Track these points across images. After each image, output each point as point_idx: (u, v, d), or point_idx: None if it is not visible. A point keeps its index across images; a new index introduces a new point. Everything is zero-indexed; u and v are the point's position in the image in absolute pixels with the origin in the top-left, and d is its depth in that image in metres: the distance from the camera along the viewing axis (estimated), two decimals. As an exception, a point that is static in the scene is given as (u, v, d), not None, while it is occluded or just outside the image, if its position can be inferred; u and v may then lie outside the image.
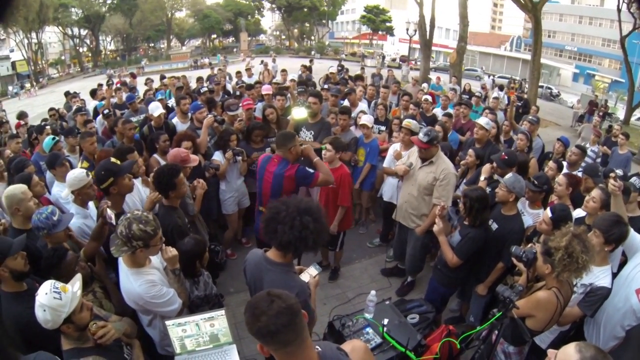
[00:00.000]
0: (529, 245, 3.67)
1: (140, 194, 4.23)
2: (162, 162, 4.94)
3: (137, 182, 4.20)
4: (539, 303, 2.77)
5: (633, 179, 4.31)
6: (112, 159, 3.64)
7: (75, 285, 2.33)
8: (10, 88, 35.33)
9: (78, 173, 3.58)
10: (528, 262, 2.97)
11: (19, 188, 3.34)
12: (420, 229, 4.73)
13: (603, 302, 3.09)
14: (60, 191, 4.30)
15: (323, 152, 4.76)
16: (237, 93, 8.91)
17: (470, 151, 5.26)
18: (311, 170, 4.12)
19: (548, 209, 3.57)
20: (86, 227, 3.59)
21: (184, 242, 3.26)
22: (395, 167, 5.09)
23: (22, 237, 2.73)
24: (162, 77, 13.05)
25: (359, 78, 10.68)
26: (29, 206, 3.32)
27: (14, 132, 8.40)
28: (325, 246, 5.35)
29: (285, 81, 10.39)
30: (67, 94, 12.13)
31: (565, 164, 5.40)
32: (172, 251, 2.94)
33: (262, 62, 15.10)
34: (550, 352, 1.84)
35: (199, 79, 11.48)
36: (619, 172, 4.83)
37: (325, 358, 1.77)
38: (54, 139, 5.46)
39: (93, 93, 10.88)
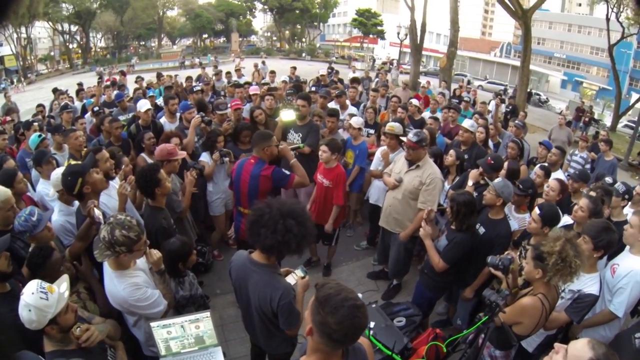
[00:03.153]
0: (519, 248, 3.71)
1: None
2: (150, 161, 4.93)
3: (114, 184, 4.14)
4: (523, 310, 2.78)
5: (617, 185, 4.39)
6: (72, 162, 3.60)
7: (62, 286, 2.29)
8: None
9: (61, 172, 3.54)
10: (505, 268, 3.00)
11: (0, 196, 3.20)
12: (403, 234, 4.71)
13: (590, 308, 3.13)
14: (46, 189, 4.25)
15: (319, 152, 4.80)
16: (224, 94, 8.85)
17: (452, 152, 5.31)
18: (287, 172, 4.21)
19: (536, 207, 3.60)
20: (69, 224, 3.55)
21: (169, 241, 3.24)
22: (383, 173, 5.09)
23: (6, 237, 2.66)
24: (159, 75, 12.85)
25: (355, 81, 10.67)
26: (7, 215, 3.20)
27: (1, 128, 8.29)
28: (322, 241, 5.44)
29: (273, 82, 10.38)
30: (55, 90, 11.98)
31: (545, 165, 5.48)
32: (157, 254, 2.92)
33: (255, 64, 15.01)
34: (558, 345, 1.82)
35: (188, 79, 11.39)
36: (609, 179, 4.95)
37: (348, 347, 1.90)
38: (40, 136, 5.38)
39: (77, 93, 10.80)
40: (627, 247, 3.33)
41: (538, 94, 33.92)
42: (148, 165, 3.74)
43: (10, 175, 3.88)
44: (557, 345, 1.84)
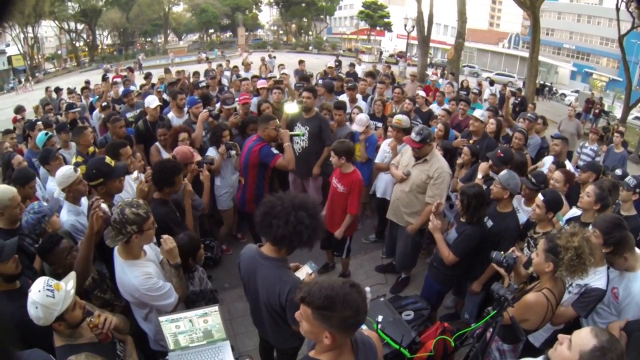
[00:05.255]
0: (511, 249, 3.67)
1: (133, 190, 4.21)
2: (163, 152, 5.12)
3: (129, 179, 4.17)
4: (528, 307, 2.76)
5: (628, 179, 4.33)
6: (107, 159, 3.59)
7: (69, 283, 2.31)
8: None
9: (66, 170, 3.54)
10: (508, 267, 2.98)
11: (7, 194, 3.22)
12: (411, 227, 4.69)
13: (597, 303, 3.07)
14: (56, 187, 4.27)
15: (331, 158, 4.65)
16: (231, 89, 8.87)
17: (465, 149, 5.25)
18: (275, 152, 4.84)
19: (539, 194, 3.58)
20: (79, 224, 3.54)
21: (178, 237, 3.25)
22: (390, 165, 5.08)
23: (14, 242, 2.67)
24: (167, 71, 12.87)
25: (370, 75, 10.65)
26: (14, 213, 3.24)
27: (12, 126, 8.36)
28: (330, 250, 5.39)
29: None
30: (57, 90, 11.95)
31: (552, 157, 5.45)
32: (172, 242, 2.93)
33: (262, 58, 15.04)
34: (562, 336, 1.85)
35: (195, 74, 11.41)
36: (618, 171, 4.89)
37: (357, 339, 1.91)
38: (47, 134, 5.39)
39: (82, 91, 10.85)
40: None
41: (547, 85, 33.49)
42: (172, 163, 3.80)
43: (27, 177, 3.95)
44: (560, 336, 1.87)
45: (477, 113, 5.89)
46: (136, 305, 2.98)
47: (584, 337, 1.73)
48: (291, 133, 4.93)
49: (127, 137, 5.70)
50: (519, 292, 2.99)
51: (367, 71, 11.73)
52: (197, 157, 4.46)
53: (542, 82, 32.29)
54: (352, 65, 13.72)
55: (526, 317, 2.78)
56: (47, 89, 11.98)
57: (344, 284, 1.72)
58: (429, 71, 21.39)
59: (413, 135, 4.40)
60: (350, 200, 4.66)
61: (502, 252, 3.06)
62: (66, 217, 3.52)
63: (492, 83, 13.78)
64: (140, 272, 2.74)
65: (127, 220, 2.62)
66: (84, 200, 3.78)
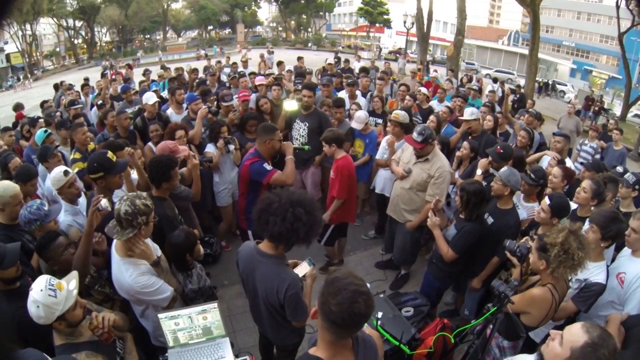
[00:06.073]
0: (524, 239, 3.66)
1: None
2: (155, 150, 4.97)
3: None
4: (533, 300, 2.75)
5: (627, 175, 4.33)
6: (109, 154, 3.58)
7: (72, 283, 2.29)
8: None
9: (56, 174, 3.54)
10: (522, 256, 2.97)
11: (10, 191, 3.24)
12: (411, 224, 4.69)
13: (597, 297, 3.07)
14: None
15: (324, 147, 4.70)
16: (229, 85, 8.86)
17: (465, 143, 5.24)
18: (268, 168, 4.11)
19: (546, 197, 3.55)
20: (76, 224, 3.54)
21: (174, 234, 3.23)
22: (391, 162, 5.05)
23: (16, 249, 2.66)
24: (164, 68, 12.82)
25: (365, 71, 10.65)
26: (15, 210, 3.26)
27: (17, 123, 8.30)
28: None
29: (282, 72, 10.39)
30: (56, 86, 11.85)
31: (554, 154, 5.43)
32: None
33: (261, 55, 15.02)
34: (553, 332, 1.83)
35: (194, 71, 11.37)
36: (620, 168, 4.88)
37: (357, 337, 1.89)
38: (45, 131, 5.38)
39: (82, 88, 10.78)
40: (629, 252, 3.20)
41: (549, 83, 33.35)
42: (166, 158, 3.77)
43: (30, 174, 3.97)
44: (552, 331, 1.85)
45: (467, 113, 5.86)
46: (133, 302, 2.99)
47: (575, 333, 1.71)
48: (295, 146, 4.54)
49: (131, 133, 5.70)
50: (524, 282, 2.99)
51: (361, 67, 11.77)
52: (184, 151, 4.39)
53: (545, 81, 32.26)
54: (346, 61, 13.73)
55: (528, 310, 2.78)
56: (61, 82, 11.77)
57: (356, 285, 1.69)
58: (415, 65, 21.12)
59: (415, 135, 4.38)
60: (334, 184, 4.72)
61: (516, 241, 3.06)
62: (63, 217, 3.52)
63: (495, 80, 13.71)
64: (134, 270, 2.74)
65: (138, 211, 2.64)
66: (82, 200, 3.78)
